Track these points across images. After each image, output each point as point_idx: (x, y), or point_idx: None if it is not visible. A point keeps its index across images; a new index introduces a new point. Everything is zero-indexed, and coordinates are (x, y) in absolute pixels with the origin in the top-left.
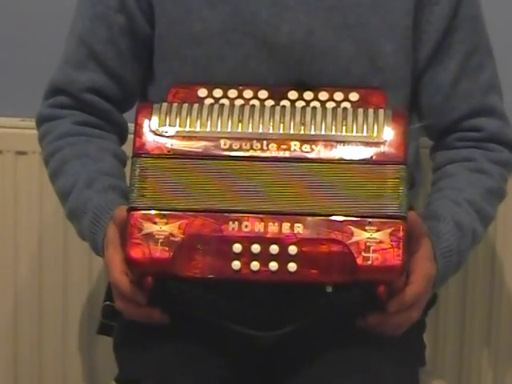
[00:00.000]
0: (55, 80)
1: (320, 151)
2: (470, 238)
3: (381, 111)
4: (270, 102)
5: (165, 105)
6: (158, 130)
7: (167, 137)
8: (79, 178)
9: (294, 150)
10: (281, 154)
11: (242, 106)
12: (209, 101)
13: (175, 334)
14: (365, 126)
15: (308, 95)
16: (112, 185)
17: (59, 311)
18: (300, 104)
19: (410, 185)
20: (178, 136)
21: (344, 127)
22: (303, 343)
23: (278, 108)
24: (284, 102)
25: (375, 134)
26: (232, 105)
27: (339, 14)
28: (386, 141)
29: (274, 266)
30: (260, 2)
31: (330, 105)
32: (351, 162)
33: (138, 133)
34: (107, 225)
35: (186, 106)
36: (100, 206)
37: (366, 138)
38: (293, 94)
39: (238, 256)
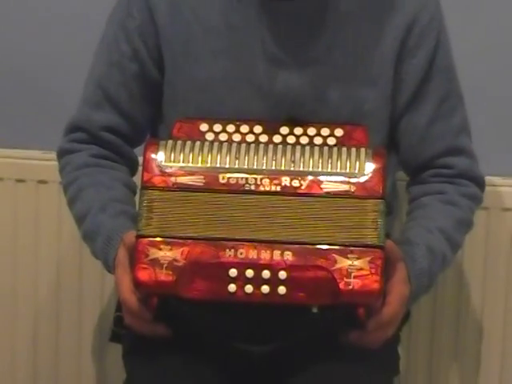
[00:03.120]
0: (74, 119)
1: (308, 186)
2: (440, 262)
3: (362, 150)
4: (264, 137)
5: (170, 142)
6: (164, 165)
7: (172, 171)
8: (94, 204)
9: (285, 184)
10: (273, 188)
11: (239, 143)
12: (209, 135)
13: (177, 347)
14: (348, 164)
15: (298, 130)
16: (123, 210)
17: (75, 321)
18: (291, 139)
19: (388, 213)
20: (181, 171)
21: (329, 164)
22: (292, 356)
23: (270, 146)
24: (276, 137)
25: (357, 170)
26: (230, 142)
27: (327, 67)
28: (366, 177)
29: (265, 289)
30: (257, 55)
31: (318, 140)
32: (335, 195)
33: (146, 167)
34: (118, 246)
35: (189, 143)
36: (112, 230)
37: (349, 174)
38: (284, 129)
39: (233, 280)
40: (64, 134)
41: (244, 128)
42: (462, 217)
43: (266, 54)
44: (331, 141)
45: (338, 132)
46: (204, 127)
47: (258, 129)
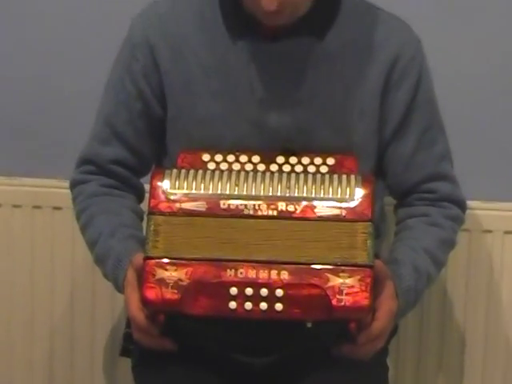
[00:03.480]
0: (85, 153)
1: (302, 210)
2: (425, 279)
3: (352, 177)
4: (261, 166)
5: (175, 171)
6: (169, 192)
7: (177, 198)
8: (104, 229)
9: (281, 209)
10: (270, 212)
11: (238, 171)
12: (211, 164)
13: (183, 359)
14: (339, 190)
15: (293, 160)
16: (131, 235)
17: (88, 337)
18: (286, 168)
19: (377, 235)
20: (185, 197)
21: (322, 190)
22: (289, 367)
23: (267, 173)
24: (273, 166)
25: (347, 196)
26: (230, 170)
27: (318, 102)
28: (356, 202)
29: (263, 306)
30: (249, 97)
31: (311, 168)
32: (328, 219)
33: (152, 194)
34: (127, 268)
35: (192, 171)
36: (121, 253)
37: (340, 200)
38: (280, 159)
39: (234, 297)
40: (76, 167)
41: (243, 158)
42: (445, 237)
43: (256, 96)
44: (324, 169)
45: (330, 161)
46: (206, 157)
47: (255, 158)
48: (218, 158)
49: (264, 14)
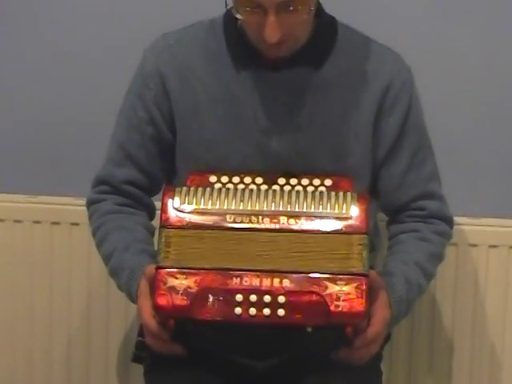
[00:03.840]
0: (100, 174)
1: (302, 224)
2: (416, 290)
3: (349, 194)
4: (264, 187)
5: (184, 188)
6: (179, 208)
7: (186, 213)
8: (118, 244)
9: (283, 223)
10: (272, 226)
11: (243, 189)
12: (218, 185)
13: (191, 363)
14: (336, 205)
15: (293, 181)
16: (143, 249)
17: (103, 345)
18: (287, 188)
19: (371, 249)
20: (194, 212)
21: (321, 206)
22: (289, 370)
23: (270, 191)
24: (275, 187)
25: (344, 211)
26: (235, 188)
27: (316, 128)
28: (352, 216)
29: (267, 311)
30: (252, 123)
31: (310, 188)
32: (326, 232)
33: (164, 210)
34: (139, 279)
35: (200, 189)
36: (134, 266)
37: (337, 214)
38: (281, 180)
39: (239, 304)
40: (92, 187)
41: (247, 179)
42: (434, 251)
43: (259, 122)
44: (322, 189)
45: (328, 182)
46: (213, 179)
47: (259, 180)
48: (224, 179)
49: (266, 45)
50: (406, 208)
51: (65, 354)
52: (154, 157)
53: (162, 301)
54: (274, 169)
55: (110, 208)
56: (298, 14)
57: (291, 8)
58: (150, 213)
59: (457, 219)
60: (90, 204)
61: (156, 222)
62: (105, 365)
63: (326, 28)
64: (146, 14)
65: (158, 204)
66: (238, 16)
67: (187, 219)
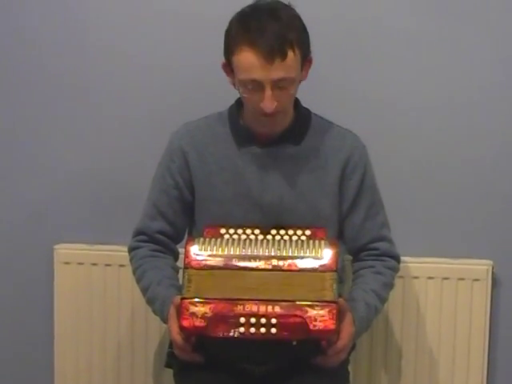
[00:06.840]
0: (138, 226)
1: (288, 265)
2: (373, 311)
3: (323, 241)
4: (260, 236)
5: (201, 239)
6: (198, 253)
7: (203, 257)
8: (153, 280)
9: (274, 264)
10: (266, 266)
11: (245, 240)
12: (226, 236)
13: (208, 368)
14: (314, 250)
15: (282, 231)
16: (171, 284)
17: (145, 354)
18: (277, 237)
19: (339, 281)
20: (209, 257)
21: (302, 251)
22: (280, 374)
23: (265, 240)
24: (268, 236)
25: (320, 254)
26: (239, 238)
27: (297, 186)
28: (325, 258)
29: (263, 330)
30: (252, 181)
31: (295, 237)
32: (306, 270)
33: (186, 255)
34: (169, 307)
35: (213, 240)
36: (165, 297)
37: (314, 257)
38: (273, 231)
39: (242, 324)
40: (132, 236)
41: (248, 231)
42: (386, 281)
43: (256, 185)
44: (303, 237)
45: (307, 232)
46: (223, 231)
47: (256, 231)
48: (231, 231)
49: (263, 117)
50: (364, 249)
51: (116, 360)
52: (179, 213)
53: (186, 323)
54: (268, 219)
55: (146, 253)
56: (286, 90)
57: (281, 85)
58: (175, 256)
59: (403, 258)
60: (131, 250)
61: (180, 263)
62: (145, 369)
63: (302, 117)
64: (173, 109)
65: (180, 250)
66: (244, 95)
67: (204, 262)
